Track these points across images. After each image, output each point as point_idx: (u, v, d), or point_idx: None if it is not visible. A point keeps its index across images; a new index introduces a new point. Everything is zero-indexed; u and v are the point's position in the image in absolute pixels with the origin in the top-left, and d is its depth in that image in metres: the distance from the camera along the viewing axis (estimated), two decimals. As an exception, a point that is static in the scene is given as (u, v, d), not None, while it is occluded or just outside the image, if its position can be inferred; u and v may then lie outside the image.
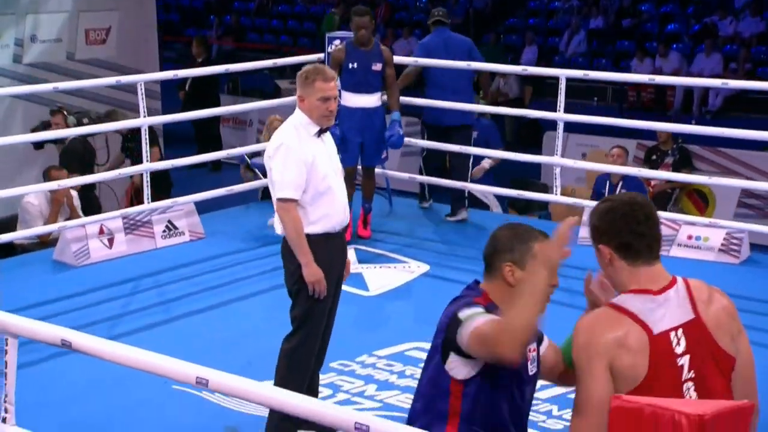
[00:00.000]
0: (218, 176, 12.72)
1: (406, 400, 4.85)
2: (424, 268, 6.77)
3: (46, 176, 7.74)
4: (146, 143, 6.90)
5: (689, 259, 6.84)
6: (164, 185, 8.62)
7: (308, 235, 4.39)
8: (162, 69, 11.39)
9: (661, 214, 7.10)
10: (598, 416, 2.51)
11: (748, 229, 6.76)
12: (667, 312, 2.59)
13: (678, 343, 2.57)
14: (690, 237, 6.90)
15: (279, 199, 4.33)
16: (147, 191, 7.00)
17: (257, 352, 5.51)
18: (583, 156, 10.64)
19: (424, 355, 5.15)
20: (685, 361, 2.57)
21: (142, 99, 6.83)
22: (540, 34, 18.59)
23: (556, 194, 7.35)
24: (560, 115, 7.36)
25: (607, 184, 8.29)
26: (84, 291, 6.35)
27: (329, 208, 4.39)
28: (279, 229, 4.51)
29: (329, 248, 4.44)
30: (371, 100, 7.10)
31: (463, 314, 2.87)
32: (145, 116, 6.89)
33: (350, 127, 7.04)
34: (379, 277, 6.63)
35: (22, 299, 6.16)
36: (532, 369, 2.96)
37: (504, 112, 8.40)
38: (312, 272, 4.32)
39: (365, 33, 7.07)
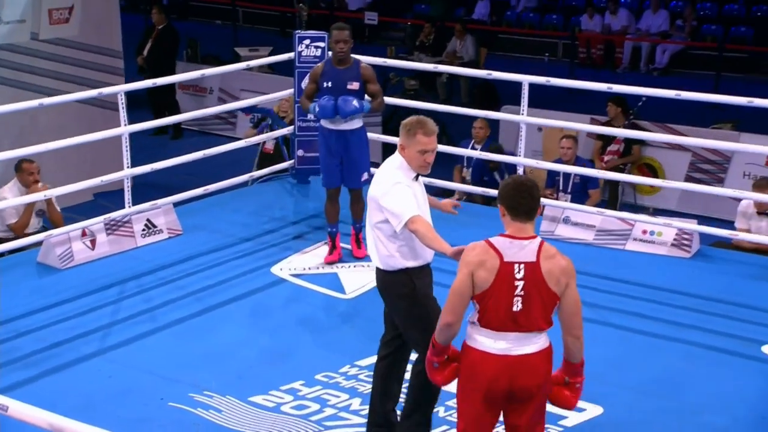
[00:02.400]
0: (180, 143, 12.87)
1: (389, 415, 5.19)
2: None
3: (18, 168, 7.88)
4: (127, 150, 7.09)
5: (644, 253, 7.24)
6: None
7: (411, 268, 4.75)
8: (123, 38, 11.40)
9: (619, 213, 7.47)
10: (457, 299, 4.07)
11: (698, 230, 7.14)
12: (518, 252, 3.99)
13: (518, 272, 3.97)
14: (645, 232, 7.28)
15: (408, 220, 4.63)
16: (128, 195, 7.22)
17: (245, 363, 5.81)
18: (539, 130, 10.95)
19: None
20: (520, 284, 3.98)
21: (123, 109, 7.01)
22: (492, -12, 18.70)
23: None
24: (524, 118, 7.65)
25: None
26: (72, 297, 6.58)
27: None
28: (377, 261, 4.90)
29: (429, 276, 4.87)
30: (346, 122, 6.86)
31: None
32: (125, 125, 7.07)
33: (327, 149, 6.93)
34: (354, 277, 6.93)
35: (12, 308, 6.39)
36: None
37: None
38: (454, 253, 4.42)
39: (343, 47, 6.80)
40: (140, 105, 12.16)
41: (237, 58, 13.94)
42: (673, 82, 15.81)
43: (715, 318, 6.27)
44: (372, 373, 5.57)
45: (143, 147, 9.74)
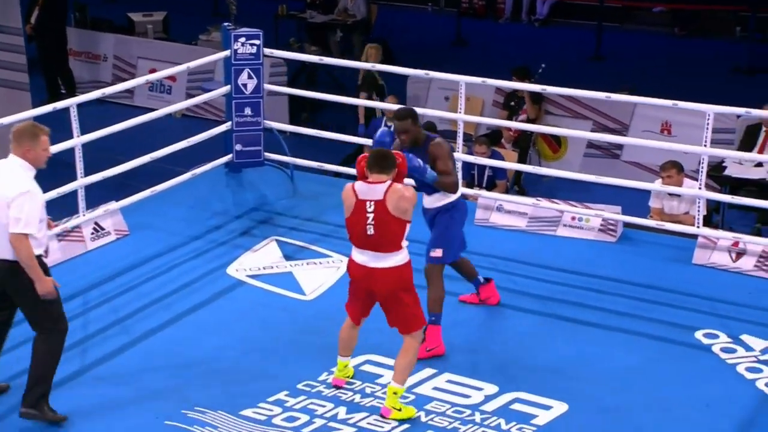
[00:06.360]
0: (81, 112, 12.77)
1: (376, 422, 5.71)
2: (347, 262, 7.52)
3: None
4: (80, 161, 7.26)
5: (573, 239, 7.90)
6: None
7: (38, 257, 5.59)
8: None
9: (547, 203, 8.05)
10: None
11: (621, 219, 7.88)
12: (370, 192, 5.53)
13: (369, 206, 5.52)
14: (573, 218, 7.93)
15: (23, 234, 5.46)
16: (82, 204, 7.40)
17: (227, 375, 6.16)
18: (446, 99, 11.45)
19: (376, 369, 6.07)
20: (371, 214, 5.52)
21: (75, 120, 7.17)
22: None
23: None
24: (461, 116, 8.13)
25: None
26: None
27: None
28: (6, 254, 5.57)
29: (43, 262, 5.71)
30: (425, 202, 6.49)
31: None
32: (78, 136, 7.23)
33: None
34: (310, 276, 7.35)
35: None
36: None
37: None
38: (46, 284, 5.57)
39: (405, 139, 6.33)
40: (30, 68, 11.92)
41: (131, 24, 13.92)
42: (554, 33, 16.58)
43: (648, 305, 6.97)
44: (350, 380, 6.11)
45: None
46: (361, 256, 5.67)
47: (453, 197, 6.45)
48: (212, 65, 11.47)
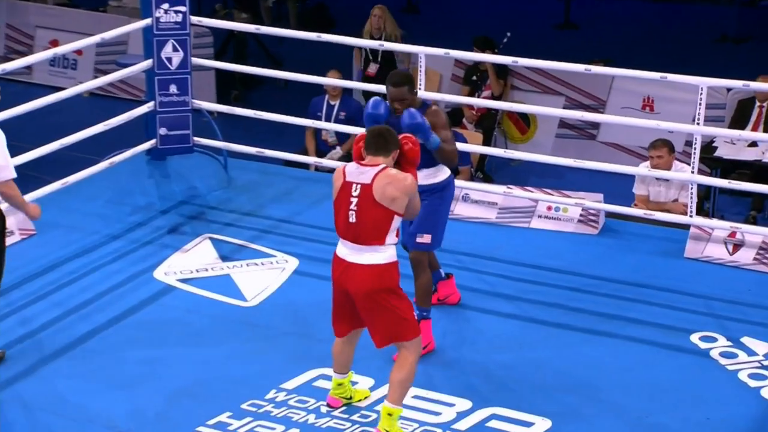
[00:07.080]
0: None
1: (333, 446, 5.71)
2: (293, 262, 7.50)
3: None
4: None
5: (550, 231, 7.96)
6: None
7: None
8: None
9: (520, 191, 8.10)
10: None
11: (603, 209, 7.94)
12: (359, 175, 5.51)
13: (355, 189, 5.50)
14: (549, 208, 7.98)
15: (11, 179, 5.99)
16: None
17: (160, 395, 6.10)
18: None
19: (330, 385, 6.01)
20: (355, 198, 5.49)
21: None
22: None
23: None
24: (421, 93, 8.08)
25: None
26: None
27: None
28: None
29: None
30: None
31: None
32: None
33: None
34: (251, 279, 7.31)
35: None
36: None
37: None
38: (36, 208, 6.34)
39: (399, 107, 6.20)
40: None
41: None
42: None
43: (636, 305, 7.04)
44: (303, 398, 6.09)
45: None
46: (343, 248, 5.59)
47: (446, 175, 6.44)
48: (125, 36, 11.37)
